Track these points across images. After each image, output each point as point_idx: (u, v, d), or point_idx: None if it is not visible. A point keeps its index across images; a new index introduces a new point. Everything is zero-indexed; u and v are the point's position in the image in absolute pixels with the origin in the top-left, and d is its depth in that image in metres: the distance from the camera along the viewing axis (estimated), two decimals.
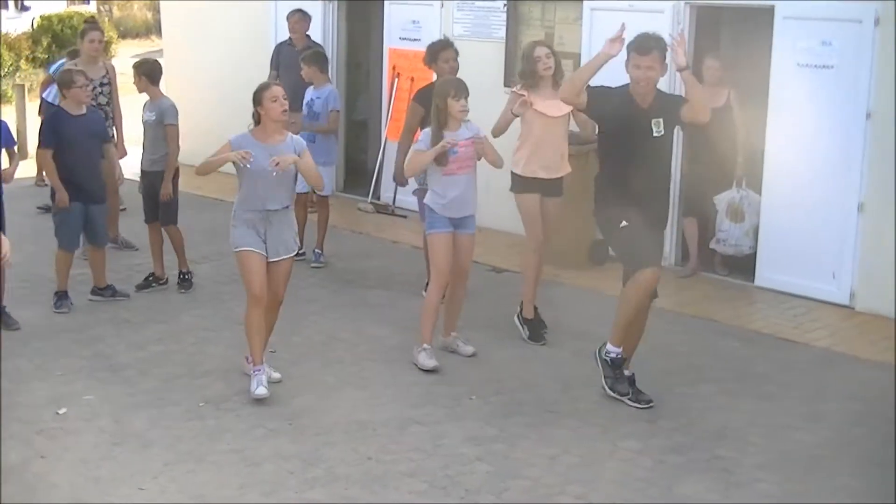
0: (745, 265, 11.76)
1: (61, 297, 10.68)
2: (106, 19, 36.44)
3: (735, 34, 13.40)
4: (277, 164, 8.41)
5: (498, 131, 9.78)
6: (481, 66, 12.81)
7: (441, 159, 9.14)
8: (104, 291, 10.93)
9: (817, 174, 11.02)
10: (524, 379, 9.12)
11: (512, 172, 9.87)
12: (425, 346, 9.32)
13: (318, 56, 12.28)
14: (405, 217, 13.92)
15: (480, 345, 9.73)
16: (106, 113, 12.28)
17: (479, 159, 9.38)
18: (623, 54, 8.37)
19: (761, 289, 11.48)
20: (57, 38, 27.53)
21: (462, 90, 9.21)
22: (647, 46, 8.30)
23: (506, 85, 13.26)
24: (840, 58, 10.81)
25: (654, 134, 8.35)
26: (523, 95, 9.68)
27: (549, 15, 13.13)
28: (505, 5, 13.44)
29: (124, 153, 12.53)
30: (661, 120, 8.37)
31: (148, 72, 11.19)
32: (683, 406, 8.52)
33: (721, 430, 8.16)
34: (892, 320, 10.46)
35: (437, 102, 9.22)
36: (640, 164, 8.37)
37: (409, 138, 10.65)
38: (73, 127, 10.48)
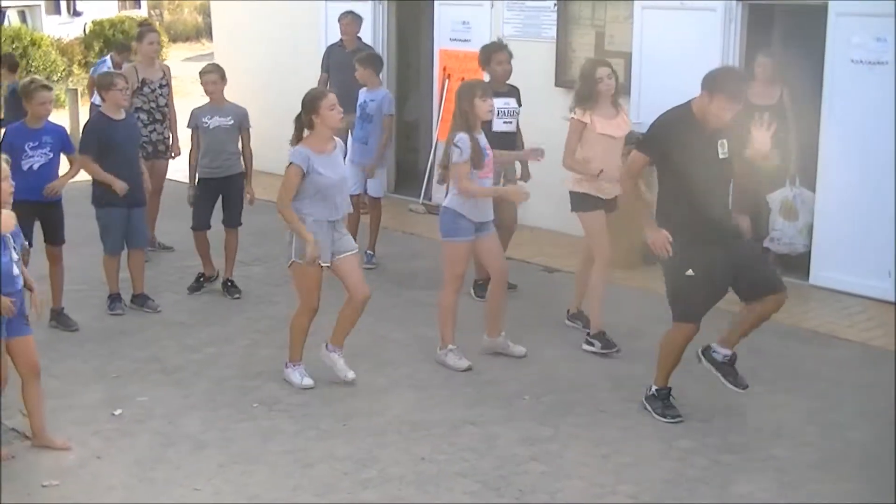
0: (799, 264, 11.67)
1: (114, 299, 10.76)
2: (157, 23, 36.63)
3: (788, 31, 13.31)
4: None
5: (570, 163, 9.61)
6: (532, 66, 12.79)
7: (478, 162, 9.04)
8: (136, 300, 10.91)
9: (871, 171, 10.93)
10: (576, 379, 9.10)
11: (573, 192, 9.73)
12: (451, 347, 9.31)
13: (373, 58, 12.27)
14: None
15: (531, 345, 9.71)
16: (164, 114, 12.39)
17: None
18: None
19: (816, 287, 11.40)
20: (109, 42, 27.64)
21: (488, 90, 9.17)
22: (741, 94, 8.05)
23: (557, 85, 13.25)
24: (893, 54, 10.71)
25: (720, 156, 8.01)
26: (585, 124, 9.51)
27: (599, 14, 13.08)
28: (555, 5, 13.40)
29: (179, 153, 12.65)
30: (725, 141, 8.02)
31: (224, 76, 11.30)
32: (738, 405, 8.46)
33: (775, 429, 8.11)
34: None
35: (462, 106, 9.09)
36: (706, 191, 7.97)
37: None
38: (114, 131, 10.51)
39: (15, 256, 7.40)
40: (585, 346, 9.69)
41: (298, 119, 8.70)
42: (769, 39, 13.17)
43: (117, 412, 8.39)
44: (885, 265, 10.91)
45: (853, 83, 10.97)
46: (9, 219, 7.36)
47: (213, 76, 11.21)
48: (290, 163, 8.55)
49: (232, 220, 11.42)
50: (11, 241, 7.39)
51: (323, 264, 8.65)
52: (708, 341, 8.34)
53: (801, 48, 12.42)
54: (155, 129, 12.33)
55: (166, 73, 12.73)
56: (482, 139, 9.13)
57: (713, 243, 7.92)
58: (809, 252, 11.53)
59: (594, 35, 13.14)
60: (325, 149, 8.62)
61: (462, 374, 9.15)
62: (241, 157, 11.33)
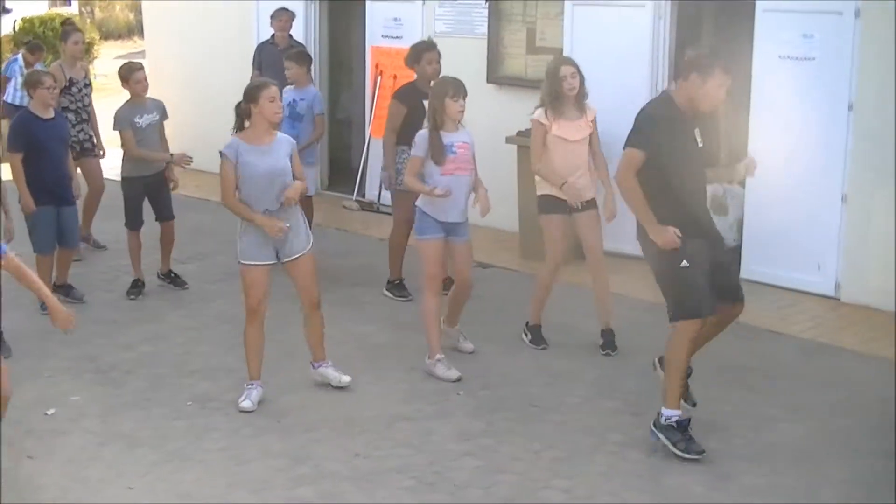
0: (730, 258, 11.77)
1: (68, 287, 10.84)
2: (88, 21, 36.35)
3: (716, 27, 13.44)
4: (290, 200, 8.39)
5: (536, 162, 9.48)
6: (463, 63, 12.81)
7: (439, 158, 9.02)
8: (60, 289, 10.85)
9: (800, 166, 11.06)
10: (510, 374, 9.14)
11: (538, 195, 9.65)
12: (438, 356, 9.14)
13: (305, 56, 12.22)
14: (390, 214, 13.94)
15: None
16: (89, 113, 12.35)
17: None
18: None
19: (747, 281, 11.41)
20: (40, 39, 27.55)
21: (460, 90, 9.09)
22: (729, 65, 7.75)
23: (488, 81, 13.29)
24: (821, 50, 10.84)
25: (699, 145, 7.79)
26: (543, 125, 9.39)
27: (530, 11, 13.13)
28: (486, 2, 13.44)
29: (104, 153, 12.60)
30: (699, 129, 7.79)
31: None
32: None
33: (707, 422, 8.16)
34: (876, 311, 10.51)
35: (433, 103, 9.08)
36: (691, 181, 7.79)
37: (392, 138, 10.64)
38: (43, 130, 10.44)
39: None
40: (522, 336, 9.81)
41: (238, 107, 8.60)
42: (698, 35, 13.29)
43: (50, 412, 8.34)
44: (814, 259, 11.04)
45: (781, 79, 11.09)
46: None
47: (143, 72, 11.22)
48: (221, 156, 8.42)
49: (166, 214, 11.38)
50: None
51: (266, 263, 8.50)
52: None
53: (729, 44, 12.53)
54: (82, 129, 12.28)
55: (88, 72, 12.77)
56: (451, 137, 9.06)
57: (699, 236, 7.69)
58: (740, 246, 11.64)
59: (525, 32, 13.19)
60: (261, 140, 8.43)
61: (397, 371, 9.17)
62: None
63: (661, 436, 7.67)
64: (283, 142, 8.59)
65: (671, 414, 7.68)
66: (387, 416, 8.30)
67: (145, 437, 7.94)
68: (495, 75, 13.37)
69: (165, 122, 11.41)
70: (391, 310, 10.40)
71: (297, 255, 8.59)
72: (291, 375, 9.02)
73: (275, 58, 13.11)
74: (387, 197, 13.37)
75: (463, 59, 12.84)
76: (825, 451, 7.74)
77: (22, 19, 28.61)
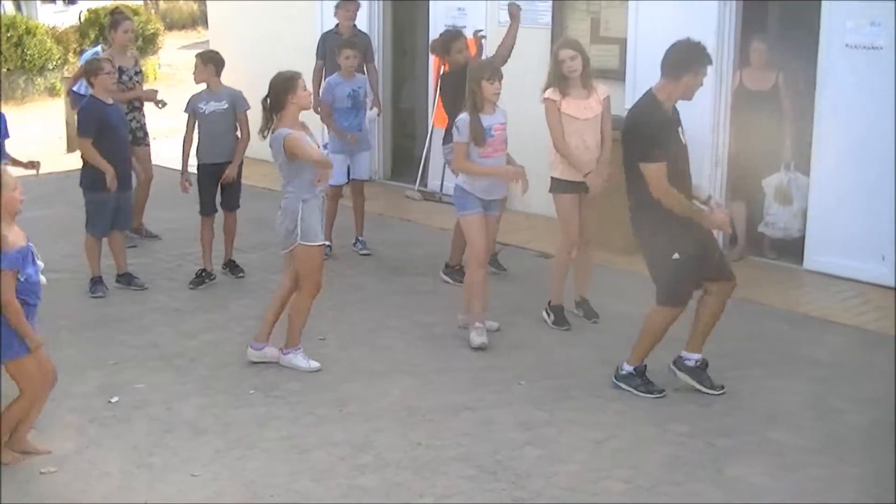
0: (794, 248, 11.69)
1: (96, 282, 10.90)
2: (152, 11, 36.57)
3: (782, 16, 13.32)
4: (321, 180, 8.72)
5: (559, 141, 9.62)
6: (528, 53, 12.78)
7: (479, 140, 9.19)
8: (122, 278, 11.06)
9: (866, 156, 10.94)
10: (572, 363, 9.12)
11: (551, 176, 9.81)
12: (477, 324, 9.43)
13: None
14: (453, 204, 13.95)
15: (527, 329, 9.79)
16: (141, 102, 12.45)
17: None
18: None
19: (811, 272, 11.42)
20: (104, 30, 27.73)
21: (496, 73, 9.28)
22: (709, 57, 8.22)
23: None
24: (889, 38, 10.71)
25: (682, 140, 8.23)
26: (555, 101, 9.56)
27: (595, 1, 13.07)
28: None
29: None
30: (680, 128, 8.27)
31: (217, 61, 11.26)
32: (734, 389, 8.49)
33: (772, 413, 8.13)
34: None
35: (471, 86, 9.23)
36: (682, 174, 8.20)
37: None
38: (108, 115, 10.66)
39: (41, 265, 7.41)
40: (544, 315, 9.98)
41: (265, 102, 8.73)
42: (764, 24, 13.17)
43: (114, 399, 8.40)
44: (878, 249, 10.92)
45: (848, 68, 10.97)
46: (18, 233, 7.25)
47: (196, 60, 11.29)
48: (287, 135, 8.58)
49: (231, 204, 11.45)
50: (36, 251, 7.38)
51: (322, 243, 8.88)
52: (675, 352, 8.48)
53: (795, 33, 12.43)
54: (134, 118, 12.33)
55: (138, 60, 12.88)
56: (489, 119, 9.25)
57: (691, 229, 8.10)
58: (804, 237, 11.55)
59: (590, 21, 13.13)
60: (299, 128, 8.78)
61: (460, 360, 9.18)
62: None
63: (622, 384, 8.50)
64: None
65: (630, 367, 8.48)
66: (448, 405, 8.30)
67: (209, 425, 7.99)
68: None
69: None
70: (452, 299, 10.39)
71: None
72: (352, 364, 9.04)
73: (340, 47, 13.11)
74: (449, 187, 13.37)
75: (527, 49, 12.79)
76: (890, 443, 7.65)
77: (87, 10, 28.83)
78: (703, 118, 11.81)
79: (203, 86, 11.21)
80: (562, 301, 9.98)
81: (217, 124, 11.15)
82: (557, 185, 9.76)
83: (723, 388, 8.43)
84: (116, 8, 13.66)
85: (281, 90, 8.69)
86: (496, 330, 9.65)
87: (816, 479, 7.18)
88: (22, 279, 7.11)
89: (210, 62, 11.16)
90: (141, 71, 12.79)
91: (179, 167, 11.40)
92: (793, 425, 7.93)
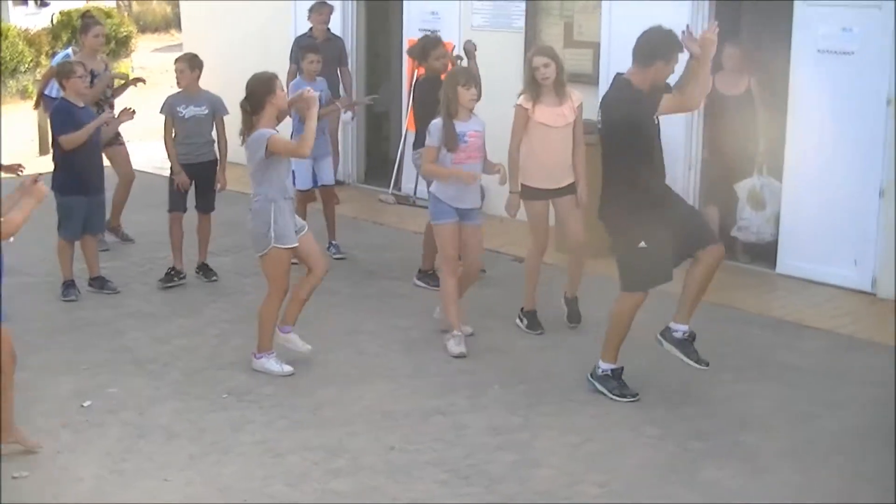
0: (766, 253, 11.73)
1: (68, 286, 10.86)
2: (125, 13, 36.47)
3: (755, 21, 13.36)
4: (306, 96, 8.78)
5: (513, 148, 9.64)
6: (501, 57, 12.82)
7: (451, 145, 9.21)
8: (95, 282, 11.03)
9: (838, 161, 10.99)
10: (546, 368, 9.14)
11: (521, 183, 9.77)
12: (454, 332, 9.41)
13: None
14: (426, 207, 13.96)
15: (502, 333, 9.80)
16: (112, 105, 12.41)
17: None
18: None
19: (783, 276, 11.47)
20: (76, 33, 27.67)
21: (471, 79, 9.31)
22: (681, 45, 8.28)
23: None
24: (860, 44, 10.77)
25: (656, 122, 8.28)
26: (526, 110, 9.54)
27: (568, 4, 13.10)
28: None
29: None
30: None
31: (201, 66, 11.38)
32: (706, 393, 8.53)
33: (743, 416, 8.16)
34: None
35: (447, 92, 9.25)
36: (650, 158, 8.28)
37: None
38: (80, 118, 10.65)
39: None
40: (517, 320, 10.01)
41: (244, 104, 8.76)
42: (737, 29, 13.21)
43: (87, 403, 8.37)
44: (851, 254, 10.98)
45: (820, 73, 11.03)
46: None
47: (180, 65, 11.30)
48: (269, 137, 8.59)
49: (205, 206, 11.49)
50: None
51: (294, 245, 8.83)
52: (662, 324, 8.49)
53: (768, 38, 12.48)
54: None
55: (108, 65, 12.90)
56: (463, 126, 9.27)
57: (663, 207, 8.20)
58: (777, 241, 11.59)
59: (563, 26, 13.16)
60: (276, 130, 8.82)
61: (433, 364, 9.18)
62: (216, 145, 11.39)
63: (597, 385, 8.52)
64: None
65: (607, 367, 8.50)
66: (422, 409, 8.31)
67: (182, 430, 7.97)
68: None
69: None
70: (427, 303, 10.40)
71: (305, 230, 9.00)
72: (326, 369, 9.04)
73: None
74: (423, 190, 13.37)
75: (500, 53, 12.85)
76: (862, 447, 7.69)
77: (60, 12, 28.74)
78: (675, 122, 11.84)
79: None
80: (534, 306, 9.98)
81: (196, 128, 11.23)
82: (528, 192, 9.74)
83: (707, 363, 8.44)
84: (87, 11, 13.61)
85: (260, 92, 8.70)
86: (470, 335, 9.65)
87: (788, 483, 7.21)
88: None
89: (196, 68, 11.28)
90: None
91: (159, 169, 11.44)
92: (765, 429, 7.96)
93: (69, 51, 13.64)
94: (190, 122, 11.18)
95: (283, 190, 8.75)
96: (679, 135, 11.85)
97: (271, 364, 8.93)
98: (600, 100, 8.56)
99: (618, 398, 8.41)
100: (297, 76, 12.20)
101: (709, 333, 9.03)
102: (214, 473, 7.32)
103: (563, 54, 12.82)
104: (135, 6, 42.67)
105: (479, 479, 7.23)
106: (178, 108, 11.16)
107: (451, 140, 9.22)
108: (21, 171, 9.82)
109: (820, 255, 11.16)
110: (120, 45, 27.90)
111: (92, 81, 11.91)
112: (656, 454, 7.59)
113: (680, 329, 8.47)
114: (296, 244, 8.82)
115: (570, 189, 9.75)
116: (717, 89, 11.77)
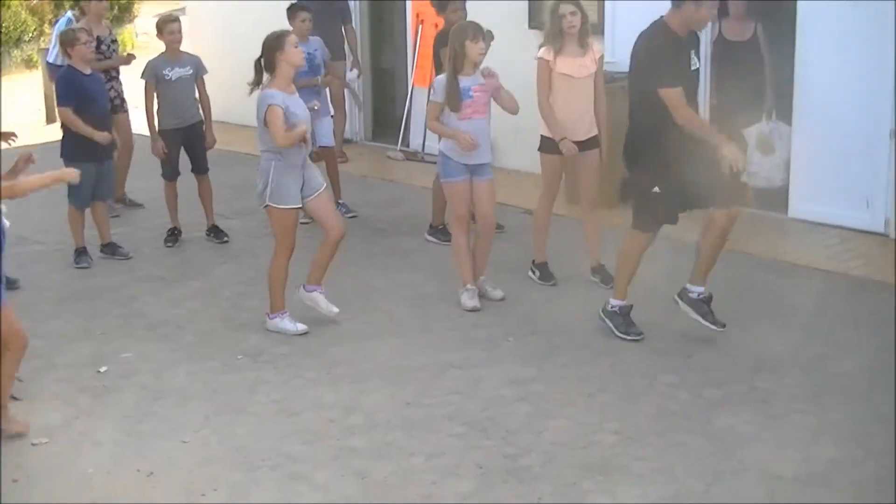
0: (777, 198, 11.69)
1: (80, 253, 10.90)
2: None
3: None
4: (316, 108, 8.59)
5: (543, 102, 9.55)
6: (506, 9, 12.76)
7: (454, 104, 9.13)
8: (106, 248, 11.07)
9: (848, 103, 10.94)
10: (559, 319, 9.14)
11: (541, 134, 9.73)
12: (468, 286, 9.42)
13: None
14: (434, 163, 13.95)
15: (514, 286, 9.76)
16: (118, 70, 12.41)
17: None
18: None
19: (795, 220, 11.44)
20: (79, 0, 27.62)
21: (480, 32, 9.17)
22: None
23: (530, 27, 13.20)
24: None
25: (693, 67, 8.20)
26: (548, 61, 9.46)
27: None
28: None
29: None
30: (694, 51, 8.23)
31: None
32: (719, 339, 8.52)
33: (758, 362, 8.16)
34: None
35: (454, 46, 9.14)
36: (688, 102, 8.13)
37: None
38: (87, 85, 10.63)
39: (7, 224, 7.33)
40: (529, 273, 10.00)
41: (258, 62, 8.73)
42: None
43: (103, 369, 8.40)
44: (863, 196, 10.94)
45: (826, 15, 10.95)
46: None
47: (178, 24, 11.35)
48: (270, 105, 8.55)
49: (201, 167, 11.56)
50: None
51: (294, 206, 8.78)
52: (681, 283, 8.48)
53: None
54: (112, 87, 12.25)
55: (111, 30, 12.86)
56: (468, 80, 9.18)
57: (686, 156, 8.03)
58: (787, 186, 11.55)
59: None
60: (289, 90, 8.72)
61: (446, 319, 9.19)
62: (199, 105, 11.44)
63: (605, 320, 8.69)
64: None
65: (616, 303, 8.65)
66: (437, 364, 8.32)
67: (198, 392, 8.00)
68: (537, 20, 13.25)
69: (212, 80, 11.45)
70: (438, 258, 10.40)
71: (319, 191, 8.92)
72: (339, 327, 9.05)
73: (319, 8, 13.03)
74: (430, 146, 13.36)
75: (505, 4, 12.78)
76: (877, 388, 7.69)
77: None
78: None
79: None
80: (545, 257, 9.97)
81: (182, 90, 11.29)
82: (545, 144, 9.67)
83: (724, 325, 8.46)
84: None
85: (270, 48, 8.66)
86: (501, 298, 9.58)
87: (802, 427, 7.21)
88: None
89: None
90: (116, 40, 12.71)
91: (149, 134, 11.38)
92: (778, 374, 7.96)
93: (69, 15, 13.59)
94: (177, 84, 11.22)
95: (293, 152, 8.67)
96: None
97: (285, 323, 8.94)
98: (634, 42, 8.45)
99: (622, 335, 8.56)
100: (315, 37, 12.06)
101: (721, 280, 9.02)
102: (230, 434, 7.35)
103: None
104: None
105: (495, 431, 7.24)
106: (163, 72, 11.18)
107: (454, 98, 9.13)
108: (13, 139, 9.75)
109: (832, 198, 11.12)
110: (122, 12, 27.79)
111: (98, 47, 11.89)
112: (670, 402, 7.60)
113: (695, 290, 8.48)
114: (296, 205, 8.76)
115: (593, 143, 9.68)
116: (723, 36, 11.73)
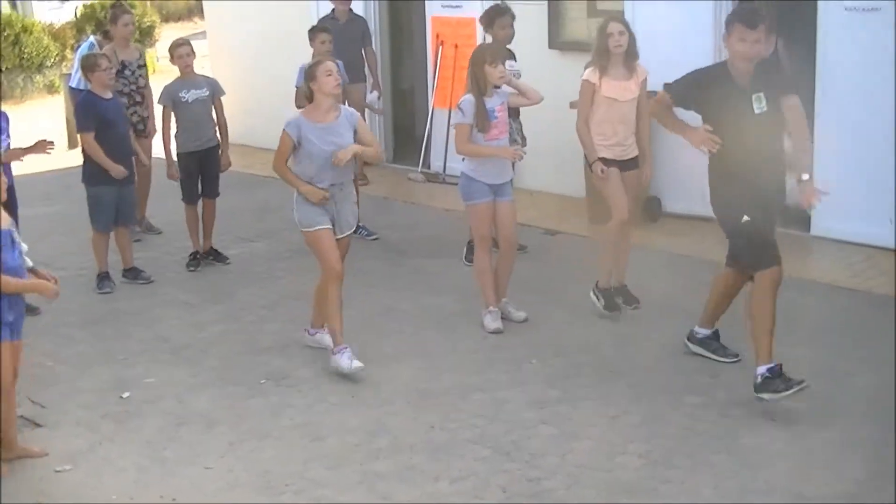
0: (799, 215, 11.62)
1: (103, 278, 10.89)
2: (147, 3, 36.48)
3: None
4: (340, 160, 8.45)
5: (581, 124, 9.37)
6: (525, 29, 12.72)
7: (483, 125, 9.10)
8: (128, 273, 11.07)
9: (869, 119, 10.90)
10: (583, 340, 9.11)
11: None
12: (491, 308, 9.40)
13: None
14: (455, 185, 13.93)
15: (537, 307, 9.73)
16: (143, 95, 12.39)
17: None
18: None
19: (818, 238, 11.39)
20: (101, 25, 27.65)
21: (498, 56, 9.15)
22: (755, 19, 7.78)
23: (550, 47, 13.20)
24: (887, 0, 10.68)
25: (756, 111, 7.79)
26: (593, 84, 9.26)
27: None
28: None
29: (154, 132, 12.58)
30: (762, 95, 7.79)
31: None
32: (744, 358, 8.46)
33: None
34: None
35: (474, 71, 9.14)
36: (745, 146, 7.78)
37: None
38: (107, 110, 10.63)
39: (25, 248, 7.32)
40: (591, 296, 9.65)
41: (300, 92, 8.76)
42: None
43: (126, 395, 8.39)
44: (885, 213, 10.89)
45: (847, 30, 10.93)
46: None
47: (188, 48, 11.38)
48: (284, 129, 8.54)
49: (212, 192, 11.57)
50: (17, 235, 7.27)
51: (325, 227, 8.58)
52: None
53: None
54: (135, 112, 12.26)
55: (142, 53, 12.81)
56: (491, 101, 9.16)
57: (757, 204, 7.85)
58: None
59: None
60: (324, 118, 8.54)
61: (470, 341, 9.17)
62: (217, 127, 11.47)
63: (763, 396, 7.66)
64: (347, 117, 8.69)
65: (764, 369, 7.67)
66: (461, 386, 8.29)
67: (222, 416, 7.99)
68: (557, 41, 13.28)
69: (225, 100, 11.48)
70: (461, 280, 10.39)
71: (346, 234, 8.79)
72: (363, 350, 8.98)
73: (336, 31, 13.07)
74: (452, 167, 13.36)
75: (524, 24, 12.73)
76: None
77: (83, 5, 28.78)
78: None
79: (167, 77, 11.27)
80: (610, 284, 9.67)
81: (200, 112, 11.32)
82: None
83: (737, 356, 8.39)
84: (117, 1, 13.56)
85: (307, 79, 8.61)
86: (524, 320, 9.52)
87: (830, 443, 7.18)
88: None
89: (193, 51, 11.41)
90: (144, 65, 12.65)
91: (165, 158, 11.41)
92: (804, 391, 7.87)
93: (91, 40, 13.62)
94: (194, 106, 11.26)
95: (315, 177, 8.52)
96: None
97: (343, 360, 8.55)
98: None
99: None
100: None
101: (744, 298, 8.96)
102: (254, 459, 7.33)
103: (587, 25, 12.88)
104: None
105: (519, 455, 7.22)
106: (180, 95, 11.23)
107: (483, 120, 9.10)
108: (51, 148, 9.71)
109: (854, 215, 11.07)
110: (143, 36, 27.92)
111: (123, 72, 11.93)
112: (696, 422, 7.56)
113: (702, 332, 8.51)
114: (326, 226, 8.57)
115: (632, 164, 9.50)
116: None
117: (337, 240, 8.69)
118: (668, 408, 7.80)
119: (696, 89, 7.94)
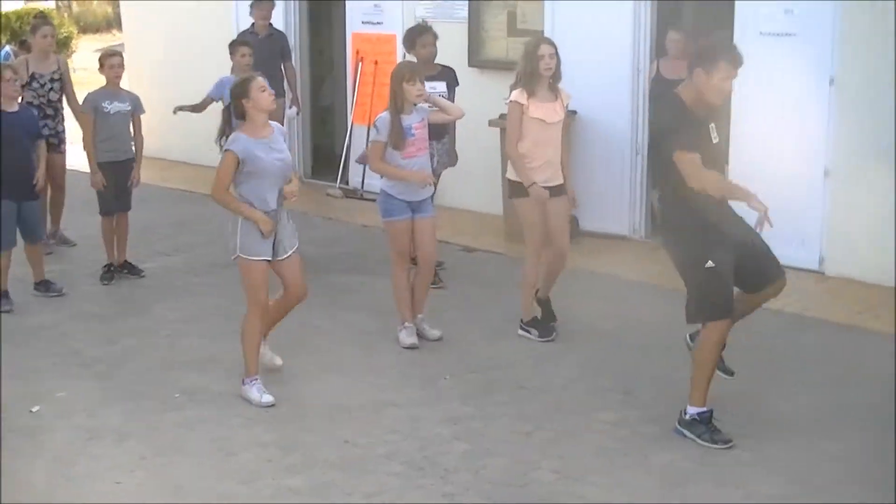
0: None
1: (3, 295, 10.59)
2: (65, 14, 36.20)
3: (697, 5, 13.41)
4: (292, 194, 8.40)
5: (511, 146, 9.29)
6: (445, 47, 12.76)
7: (398, 143, 9.10)
8: (39, 286, 10.93)
9: (782, 142, 11.06)
10: (497, 357, 9.13)
11: (508, 179, 9.58)
12: (406, 324, 9.41)
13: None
14: (374, 201, 13.93)
15: (452, 325, 9.76)
16: (56, 109, 12.20)
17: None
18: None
19: None
20: (15, 35, 27.35)
21: (416, 73, 9.17)
22: (740, 58, 7.54)
23: (470, 65, 13.25)
24: (802, 25, 10.84)
25: (713, 140, 7.60)
26: (522, 105, 9.19)
27: None
28: None
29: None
30: (713, 125, 7.61)
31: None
32: (658, 377, 8.54)
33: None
34: (861, 283, 10.57)
35: (393, 88, 9.14)
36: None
37: None
38: (6, 123, 10.40)
39: None
40: (521, 332, 9.59)
41: (227, 111, 8.58)
42: (679, 15, 13.26)
43: (35, 409, 8.28)
44: (797, 233, 11.00)
45: (762, 55, 11.05)
46: None
47: (119, 59, 11.34)
48: (226, 150, 8.28)
49: (125, 205, 11.50)
50: None
51: (264, 258, 8.32)
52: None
53: (710, 22, 12.52)
54: (46, 125, 11.95)
55: (61, 66, 12.41)
56: (409, 119, 9.15)
57: (725, 236, 7.61)
58: None
59: (506, 14, 13.18)
60: (262, 133, 8.29)
61: (385, 357, 9.18)
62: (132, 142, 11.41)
63: (686, 432, 7.60)
64: (279, 130, 8.53)
65: (695, 410, 7.61)
66: (376, 402, 8.28)
67: (134, 431, 7.89)
68: (477, 59, 13.35)
69: (143, 117, 11.42)
70: (378, 297, 10.38)
71: (290, 253, 8.51)
72: (280, 366, 8.96)
73: (257, 46, 13.03)
74: (370, 184, 13.35)
75: (444, 43, 12.77)
76: (818, 424, 7.76)
77: None
78: (621, 108, 11.92)
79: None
80: (533, 312, 9.64)
81: (119, 124, 11.25)
82: (517, 189, 9.39)
83: (732, 373, 8.19)
84: (39, 12, 13.41)
85: (237, 96, 8.29)
86: (438, 338, 9.51)
87: (741, 462, 7.24)
88: None
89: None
90: (61, 78, 12.25)
91: (88, 168, 11.30)
92: (716, 409, 7.90)
93: (7, 49, 13.47)
94: (115, 118, 11.19)
95: (259, 201, 8.24)
96: (624, 119, 11.89)
97: (252, 392, 8.38)
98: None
99: (708, 444, 7.49)
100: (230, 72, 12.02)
101: (660, 317, 9.04)
102: (167, 474, 7.25)
103: (506, 44, 12.96)
104: (75, 6, 42.34)
105: (433, 470, 7.21)
106: (102, 104, 11.15)
107: (398, 137, 9.09)
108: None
109: (766, 235, 11.15)
110: (60, 46, 27.65)
111: (31, 84, 11.78)
112: (609, 439, 7.60)
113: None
114: (265, 258, 8.31)
115: (560, 189, 9.44)
116: (661, 74, 11.83)
117: (281, 260, 8.45)
118: (582, 425, 7.83)
119: (692, 128, 7.49)
